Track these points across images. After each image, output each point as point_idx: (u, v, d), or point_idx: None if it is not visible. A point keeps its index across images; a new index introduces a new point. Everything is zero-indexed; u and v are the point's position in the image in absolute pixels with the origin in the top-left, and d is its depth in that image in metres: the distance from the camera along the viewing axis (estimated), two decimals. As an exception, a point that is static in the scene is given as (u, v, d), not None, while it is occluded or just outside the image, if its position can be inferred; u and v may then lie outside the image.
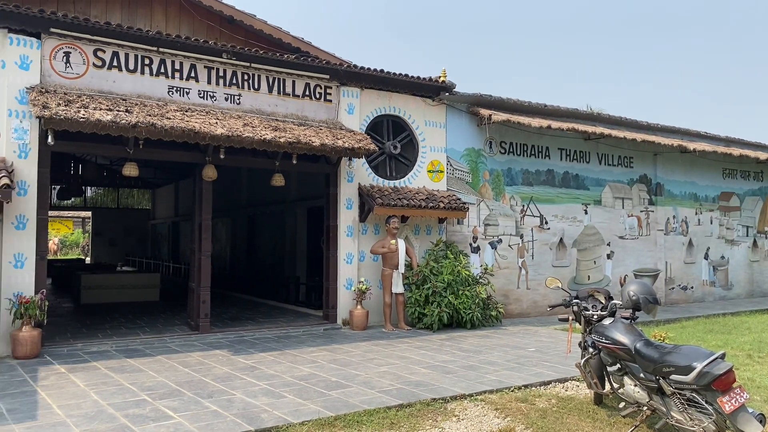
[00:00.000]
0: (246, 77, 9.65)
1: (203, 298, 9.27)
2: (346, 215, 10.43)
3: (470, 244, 11.76)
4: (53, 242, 33.84)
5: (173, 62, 9.08)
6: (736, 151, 15.33)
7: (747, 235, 16.72)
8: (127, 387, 6.12)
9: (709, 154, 15.02)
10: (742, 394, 4.27)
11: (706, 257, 15.75)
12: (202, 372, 6.85)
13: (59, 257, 30.87)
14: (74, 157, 19.66)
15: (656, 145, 13.72)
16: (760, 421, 4.19)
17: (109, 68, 8.63)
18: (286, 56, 9.96)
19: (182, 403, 5.56)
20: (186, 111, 8.70)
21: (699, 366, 4.36)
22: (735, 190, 16.52)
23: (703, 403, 4.41)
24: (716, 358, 4.38)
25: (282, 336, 9.46)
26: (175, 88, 9.07)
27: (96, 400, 5.59)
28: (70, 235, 37.00)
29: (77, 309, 12.53)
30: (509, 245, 12.30)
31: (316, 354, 8.02)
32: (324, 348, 8.47)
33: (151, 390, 6.00)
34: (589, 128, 12.70)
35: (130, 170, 8.98)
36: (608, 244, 13.87)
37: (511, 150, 12.48)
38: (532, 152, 12.79)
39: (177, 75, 9.11)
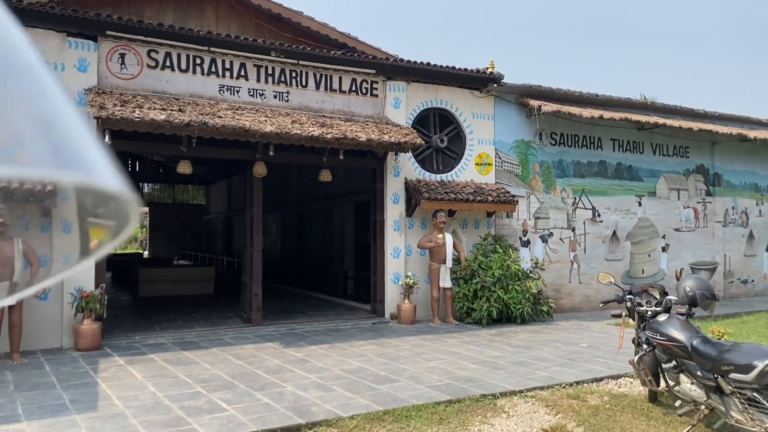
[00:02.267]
0: (294, 74, 9.76)
1: (255, 292, 9.46)
2: (393, 210, 10.45)
3: (520, 238, 11.62)
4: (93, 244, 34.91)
5: (224, 61, 9.26)
6: (801, 139, 14.66)
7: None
8: (182, 379, 6.30)
9: (772, 142, 14.40)
10: (806, 394, 4.10)
11: (767, 250, 15.13)
12: (255, 364, 7.00)
13: (118, 252, 31.93)
14: (131, 155, 20.29)
15: (714, 133, 13.24)
16: (827, 423, 4.02)
17: (162, 68, 8.87)
18: (332, 52, 10.03)
19: (235, 395, 5.69)
20: (236, 109, 8.86)
21: (761, 365, 4.20)
22: (800, 180, 15.80)
23: (765, 403, 4.26)
24: (778, 357, 4.22)
25: (331, 329, 9.56)
26: (225, 87, 9.25)
27: (153, 392, 5.78)
28: (128, 230, 38.18)
29: (135, 302, 12.97)
30: (560, 238, 12.09)
31: (365, 348, 8.08)
32: (372, 342, 8.52)
33: (206, 382, 6.17)
34: (643, 118, 12.35)
35: (184, 168, 9.21)
36: (663, 237, 13.48)
37: (561, 141, 12.26)
38: (584, 143, 12.52)
39: (227, 74, 9.28)
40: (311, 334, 9.17)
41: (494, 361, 7.27)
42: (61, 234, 8.05)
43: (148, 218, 28.49)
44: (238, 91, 9.32)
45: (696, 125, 12.89)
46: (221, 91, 9.22)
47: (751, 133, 13.79)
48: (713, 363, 4.54)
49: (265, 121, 8.62)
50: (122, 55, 8.61)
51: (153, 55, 8.82)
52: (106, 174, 0.62)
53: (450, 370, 6.77)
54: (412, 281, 10.07)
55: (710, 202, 14.25)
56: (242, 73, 9.38)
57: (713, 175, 14.33)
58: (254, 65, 9.46)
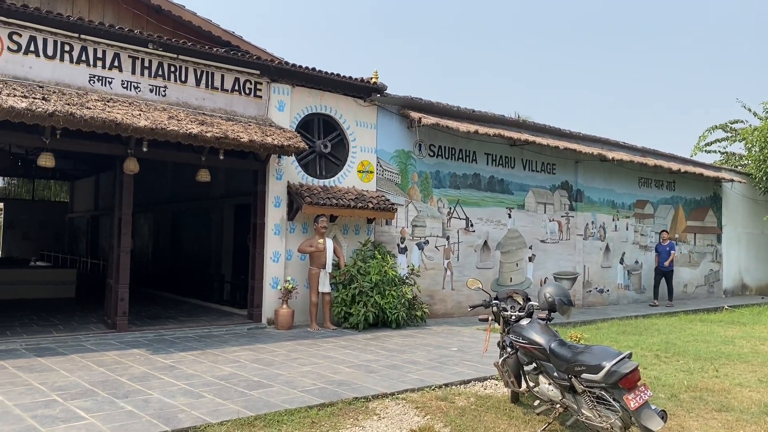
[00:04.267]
0: (173, 69, 9.40)
1: (121, 296, 8.97)
2: (274, 213, 10.33)
3: (398, 245, 11.88)
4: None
5: (95, 50, 8.74)
6: (651, 161, 16.16)
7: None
8: (36, 387, 5.84)
9: (627, 164, 15.75)
10: (645, 391, 4.51)
11: (621, 262, 16.51)
12: (118, 371, 6.63)
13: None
14: (-15, 144, 18.57)
15: (578, 153, 14.28)
16: (662, 417, 4.43)
17: (26, 53, 8.23)
18: (215, 49, 9.77)
19: (95, 403, 5.36)
20: (108, 101, 8.39)
21: (608, 365, 4.57)
22: (649, 198, 17.40)
23: (611, 400, 4.63)
24: (623, 358, 4.61)
25: (204, 335, 9.26)
26: (96, 77, 8.74)
27: (1, 401, 5.32)
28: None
29: (-16, 305, 11.85)
30: (436, 246, 12.50)
31: (239, 353, 7.90)
32: (247, 347, 8.36)
33: (63, 390, 5.76)
34: (515, 134, 13.09)
35: (46, 161, 8.56)
36: (530, 248, 14.32)
37: (439, 153, 12.70)
38: (460, 156, 13.05)
39: (99, 63, 8.77)
40: (182, 340, 8.83)
41: (368, 365, 7.37)
42: None
43: (2, 215, 26.18)
44: (110, 83, 8.83)
45: (562, 144, 13.84)
46: (91, 81, 8.69)
47: (610, 154, 15.01)
48: (568, 364, 4.88)
49: (140, 115, 8.23)
50: (-22, 35, 7.89)
51: (15, 38, 8.16)
52: None
53: (325, 374, 6.78)
54: (291, 286, 9.99)
55: (573, 216, 15.33)
56: (116, 63, 8.90)
57: (576, 191, 15.43)
58: (129, 56, 9.01)
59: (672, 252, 15.96)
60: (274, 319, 10.06)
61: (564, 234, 15.09)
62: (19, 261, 18.10)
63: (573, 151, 14.17)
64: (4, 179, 24.39)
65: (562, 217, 15.07)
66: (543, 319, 5.56)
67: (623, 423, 4.55)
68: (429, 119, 11.67)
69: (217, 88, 9.83)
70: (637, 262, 16.95)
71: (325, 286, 10.25)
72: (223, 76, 9.89)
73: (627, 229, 16.76)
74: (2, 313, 10.59)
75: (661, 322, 12.78)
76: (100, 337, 8.63)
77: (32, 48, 8.28)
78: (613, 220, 16.40)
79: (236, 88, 10.03)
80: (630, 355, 4.68)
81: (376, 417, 5.41)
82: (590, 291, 15.61)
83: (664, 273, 16.12)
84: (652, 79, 74.75)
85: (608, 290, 16.11)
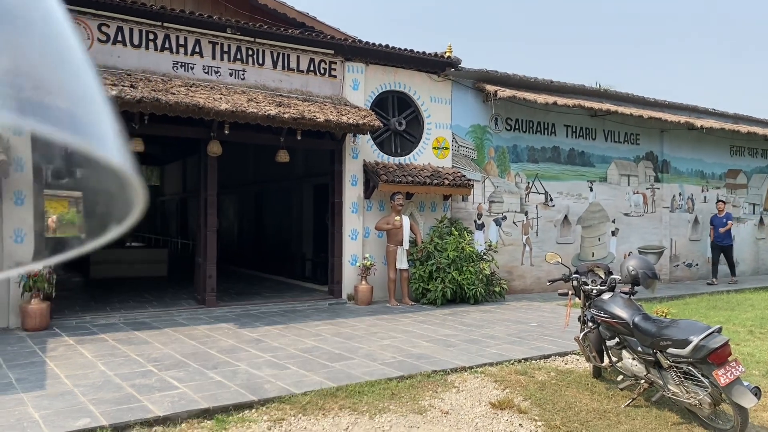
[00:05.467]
0: (250, 52, 9.64)
1: (209, 273, 9.38)
2: (351, 192, 10.47)
3: (475, 221, 11.80)
4: (52, 219, 34.07)
5: (177, 37, 9.08)
6: (744, 128, 15.21)
7: (753, 213, 16.66)
8: (133, 358, 6.24)
9: (717, 131, 14.92)
10: (737, 367, 4.32)
11: (711, 235, 15.72)
12: (208, 344, 6.97)
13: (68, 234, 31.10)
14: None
15: (663, 121, 13.64)
16: (755, 394, 4.25)
17: (114, 43, 8.65)
18: (290, 31, 9.94)
19: (187, 373, 5.67)
20: (190, 86, 8.72)
21: (695, 339, 4.41)
22: (742, 168, 16.43)
23: (699, 376, 4.47)
24: (712, 332, 4.43)
25: (287, 310, 9.57)
26: (179, 64, 9.09)
27: (103, 371, 5.71)
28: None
29: (86, 283, 12.71)
30: (514, 222, 12.32)
31: (321, 328, 8.12)
32: (328, 322, 8.57)
33: (157, 361, 6.12)
34: (596, 105, 12.63)
35: (136, 145, 9.01)
36: (613, 221, 13.87)
37: (516, 127, 12.45)
38: (538, 129, 12.75)
39: (181, 50, 9.11)
40: (267, 315, 9.16)
41: (447, 339, 7.41)
42: (14, 207, 7.85)
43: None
44: (192, 68, 9.17)
45: (646, 113, 13.25)
46: (175, 68, 9.04)
47: (698, 122, 14.25)
48: (653, 339, 4.74)
49: (220, 98, 8.51)
50: (72, 29, 8.35)
51: (104, 29, 8.59)
52: (116, 152, 0.59)
53: (403, 348, 6.88)
54: (369, 263, 10.13)
55: (658, 188, 14.70)
56: (197, 49, 9.22)
57: (662, 162, 14.76)
58: (209, 42, 9.31)
59: (729, 222, 14.29)
60: (354, 295, 10.26)
61: (649, 207, 14.51)
62: (115, 242, 19.16)
63: (658, 120, 13.54)
64: (99, 165, 25.79)
65: (647, 189, 14.49)
66: (626, 293, 5.41)
67: (713, 399, 4.39)
68: (505, 92, 11.45)
69: (293, 70, 10.01)
70: (729, 235, 16.09)
71: (402, 263, 10.33)
72: (298, 58, 10.05)
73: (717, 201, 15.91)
74: (102, 290, 11.33)
75: (755, 297, 12.12)
76: (190, 312, 9.09)
77: (119, 38, 8.69)
78: (702, 191, 15.61)
79: (311, 68, 10.18)
80: (720, 330, 4.50)
81: (455, 390, 5.45)
82: (677, 265, 14.98)
83: (722, 248, 14.44)
84: (741, 37, 70.01)
85: (697, 264, 15.41)
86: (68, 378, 5.44)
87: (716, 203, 14.78)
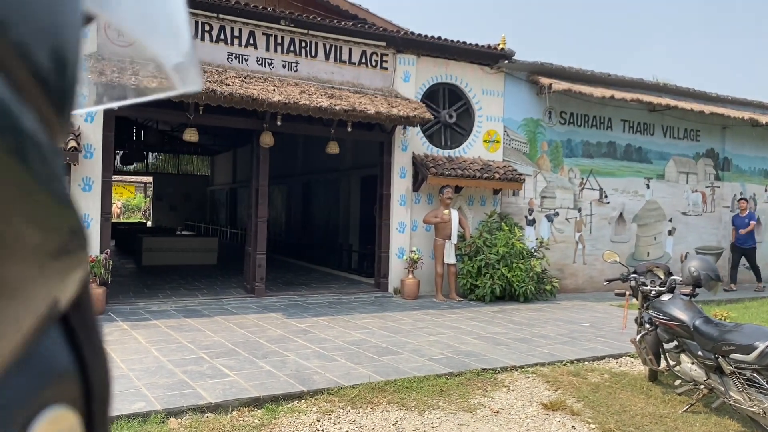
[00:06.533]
0: (303, 44, 9.67)
1: (259, 262, 9.48)
2: (400, 184, 10.42)
3: (526, 217, 11.59)
4: (117, 206, 35.15)
5: (233, 29, 9.17)
6: (813, 125, 14.49)
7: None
8: (185, 345, 6.34)
9: (783, 128, 14.26)
10: (807, 376, 4.10)
11: (774, 236, 15.07)
12: (257, 333, 7.04)
13: (122, 221, 32.08)
14: (137, 123, 20.26)
15: (725, 117, 13.11)
16: (826, 405, 4.02)
17: (170, 35, 8.77)
18: (343, 23, 9.92)
19: (238, 362, 5.73)
20: (245, 78, 8.80)
21: (762, 346, 4.20)
22: (810, 167, 15.66)
23: (765, 383, 4.26)
24: (781, 338, 4.21)
25: (334, 302, 9.60)
26: (234, 55, 9.18)
27: (156, 357, 5.83)
28: (132, 199, 38.33)
29: (139, 270, 13.03)
30: (566, 219, 12.05)
31: (368, 320, 8.11)
32: (375, 315, 8.56)
33: (209, 349, 6.21)
34: (654, 99, 12.22)
35: (191, 135, 9.19)
36: (670, 220, 13.43)
37: (571, 120, 12.16)
38: (594, 123, 12.42)
39: (236, 42, 9.20)
40: (314, 306, 9.21)
41: (496, 337, 7.30)
42: (82, 193, 8.10)
43: (152, 188, 28.51)
44: (246, 60, 9.25)
45: (707, 108, 12.75)
46: (229, 59, 9.14)
47: (763, 119, 13.64)
48: (714, 343, 4.54)
49: (274, 90, 8.56)
50: (130, 20, 8.52)
51: (162, 20, 8.72)
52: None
53: (452, 344, 6.80)
54: (416, 256, 10.07)
55: (719, 187, 14.16)
56: (251, 41, 9.29)
57: (723, 160, 14.21)
58: (263, 34, 9.37)
59: (752, 222, 12.88)
60: (401, 289, 10.22)
61: (708, 206, 13.99)
62: (167, 230, 19.70)
63: (720, 116, 13.02)
64: (153, 155, 26.50)
65: (706, 187, 13.97)
66: (686, 295, 5.20)
67: (779, 409, 4.17)
68: (560, 85, 11.18)
69: (345, 62, 9.99)
70: (793, 236, 15.38)
71: (450, 258, 10.23)
72: (350, 50, 10.03)
73: (783, 201, 15.24)
74: (154, 277, 11.60)
75: (822, 303, 11.55)
76: (240, 300, 9.21)
77: (177, 30, 8.81)
78: (766, 190, 14.97)
79: (363, 60, 10.15)
80: (789, 336, 4.27)
81: (505, 389, 5.35)
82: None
83: (743, 250, 13.01)
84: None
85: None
86: (123, 362, 5.57)
87: (738, 201, 13.49)
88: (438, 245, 10.22)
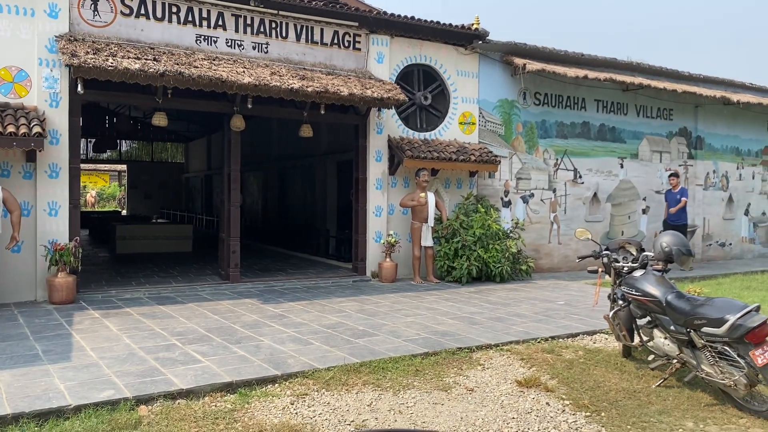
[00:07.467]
0: (273, 25, 9.50)
1: (233, 248, 9.37)
2: (376, 168, 10.34)
3: (501, 198, 11.60)
4: (91, 195, 34.62)
5: (201, 10, 8.97)
6: (782, 104, 14.69)
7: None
8: (158, 332, 6.25)
9: (754, 107, 14.43)
10: (776, 347, 4.15)
11: (746, 213, 15.31)
12: (232, 319, 6.96)
13: (97, 209, 31.60)
14: (108, 109, 19.88)
15: (698, 96, 13.21)
16: (795, 376, 4.07)
17: (137, 16, 8.57)
18: (314, 3, 9.76)
19: (211, 348, 5.65)
20: (213, 60, 8.62)
21: (732, 318, 4.24)
22: (780, 144, 15.90)
23: (735, 356, 4.31)
24: (750, 311, 4.26)
25: (311, 287, 9.54)
26: (202, 37, 8.99)
27: (128, 344, 5.73)
28: (107, 188, 37.77)
29: (112, 258, 12.83)
30: (541, 199, 12.09)
31: (345, 304, 8.07)
32: (352, 299, 8.52)
33: (181, 335, 6.12)
34: (628, 79, 12.26)
35: (160, 120, 9.01)
36: (644, 199, 13.55)
37: (545, 101, 12.15)
38: (568, 104, 12.43)
39: (205, 23, 9.01)
40: (290, 291, 9.14)
41: (472, 317, 7.30)
42: (48, 181, 7.91)
43: (126, 176, 28.08)
44: (215, 42, 9.06)
45: (680, 87, 12.84)
46: (198, 41, 8.95)
47: (735, 97, 13.78)
48: (686, 317, 4.58)
49: (243, 72, 8.40)
50: (95, 2, 8.29)
51: (127, 2, 8.51)
52: None
53: (428, 325, 6.79)
54: (393, 240, 10.03)
55: (692, 165, 14.31)
56: (220, 22, 9.10)
57: (696, 138, 14.35)
58: (232, 15, 9.18)
59: (683, 199, 12.40)
60: (378, 272, 10.18)
61: (682, 184, 14.13)
62: (141, 218, 19.44)
63: (692, 95, 13.12)
64: (126, 143, 26.07)
65: (679, 166, 14.10)
66: (659, 271, 5.22)
67: (749, 380, 4.23)
68: (534, 65, 11.15)
69: (317, 42, 9.85)
70: (764, 213, 15.66)
71: (427, 240, 10.21)
72: (322, 30, 9.89)
73: (753, 178, 15.48)
74: (127, 265, 11.43)
75: (792, 277, 11.77)
76: (214, 287, 9.10)
77: (143, 11, 8.61)
78: (738, 168, 15.16)
79: (335, 41, 10.01)
80: (758, 308, 4.32)
81: (480, 367, 5.34)
82: (710, 245, 14.62)
83: (676, 228, 11.78)
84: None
85: (731, 244, 15.03)
86: (93, 350, 5.46)
87: (669, 177, 12.86)
88: (415, 228, 10.19)
